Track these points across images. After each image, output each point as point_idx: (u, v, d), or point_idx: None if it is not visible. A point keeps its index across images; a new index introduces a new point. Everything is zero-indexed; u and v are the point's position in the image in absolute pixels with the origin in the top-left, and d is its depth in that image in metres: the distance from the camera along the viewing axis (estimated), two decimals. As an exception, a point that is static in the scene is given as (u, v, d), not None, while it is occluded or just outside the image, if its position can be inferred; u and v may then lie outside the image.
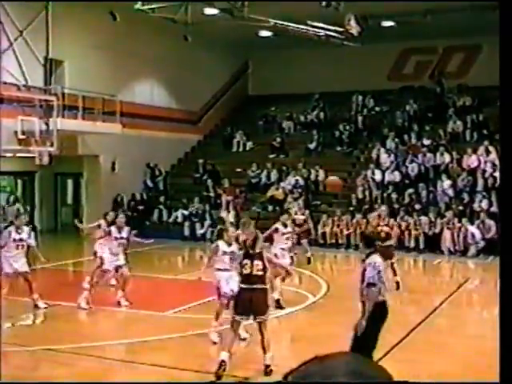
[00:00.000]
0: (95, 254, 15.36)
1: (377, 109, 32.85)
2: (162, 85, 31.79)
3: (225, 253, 11.12)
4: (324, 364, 1.25)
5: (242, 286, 9.48)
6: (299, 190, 27.39)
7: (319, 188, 28.17)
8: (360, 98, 33.13)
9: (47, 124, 22.75)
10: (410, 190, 25.75)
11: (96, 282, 14.40)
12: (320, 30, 28.49)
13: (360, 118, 32.36)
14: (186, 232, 26.87)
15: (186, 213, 27.47)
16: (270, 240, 14.51)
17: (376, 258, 8.61)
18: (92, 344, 10.76)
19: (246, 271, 9.45)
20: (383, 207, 19.37)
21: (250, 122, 33.97)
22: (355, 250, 24.02)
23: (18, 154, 23.69)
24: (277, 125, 33.83)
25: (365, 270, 8.55)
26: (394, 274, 16.08)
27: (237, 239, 10.51)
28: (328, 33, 28.58)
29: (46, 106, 23.08)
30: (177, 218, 27.59)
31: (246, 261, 9.49)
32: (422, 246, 23.38)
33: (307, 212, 21.92)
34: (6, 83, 22.25)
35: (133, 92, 29.62)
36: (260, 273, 9.46)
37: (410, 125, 30.61)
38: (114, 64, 27.71)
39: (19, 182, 28.32)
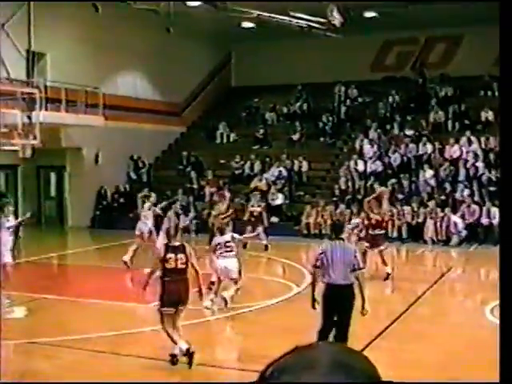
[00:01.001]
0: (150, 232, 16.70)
1: (359, 99, 32.88)
2: (145, 77, 31.68)
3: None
4: (305, 355, 1.20)
5: (168, 279, 9.47)
6: (282, 181, 27.46)
7: (302, 179, 28.27)
8: (343, 88, 33.14)
9: (30, 117, 22.61)
10: (393, 180, 25.87)
11: None
12: (303, 21, 28.52)
13: (343, 109, 32.40)
14: (171, 224, 26.82)
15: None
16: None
17: (324, 244, 9.48)
18: (77, 337, 10.78)
19: (171, 266, 9.45)
20: (383, 188, 19.90)
21: (233, 113, 33.94)
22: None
23: (1, 148, 23.56)
24: (260, 116, 33.81)
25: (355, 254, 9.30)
26: (383, 263, 16.30)
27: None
28: (311, 24, 28.60)
29: (29, 99, 22.94)
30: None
31: (169, 255, 9.49)
32: (404, 235, 23.52)
33: (263, 204, 23.16)
34: (-13, 76, 22.14)
35: (116, 84, 29.50)
36: (183, 266, 9.50)
37: (392, 115, 30.69)
38: (97, 56, 27.57)
39: (2, 175, 28.17)
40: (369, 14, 29.72)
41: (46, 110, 23.86)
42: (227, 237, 12.46)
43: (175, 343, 9.39)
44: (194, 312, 12.22)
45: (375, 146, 28.25)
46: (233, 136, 32.67)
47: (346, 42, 31.12)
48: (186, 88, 34.11)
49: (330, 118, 31.58)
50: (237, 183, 28.86)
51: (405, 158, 27.18)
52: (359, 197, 25.77)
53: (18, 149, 22.70)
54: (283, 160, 28.60)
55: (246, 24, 31.13)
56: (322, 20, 27.30)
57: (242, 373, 8.95)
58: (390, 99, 31.63)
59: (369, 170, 27.12)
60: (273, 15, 27.45)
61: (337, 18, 26.27)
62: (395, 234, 23.57)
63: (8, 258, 13.61)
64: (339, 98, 33.20)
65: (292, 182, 27.81)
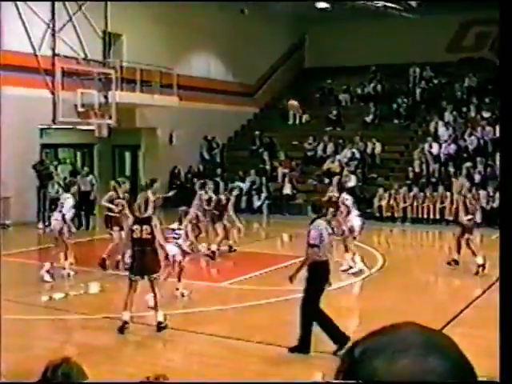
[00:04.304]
0: None
1: (435, 81, 32.36)
2: (219, 58, 31.81)
3: None
4: (396, 336, 1.16)
5: (135, 249, 10.30)
6: (355, 163, 27.25)
7: (376, 161, 28.01)
8: (418, 70, 32.67)
9: (106, 97, 23.03)
10: (468, 164, 25.40)
11: None
12: (378, 2, 28.18)
13: (418, 91, 31.95)
14: (243, 204, 26.96)
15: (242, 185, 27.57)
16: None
17: (320, 222, 9.43)
18: (150, 313, 10.95)
19: (136, 236, 10.19)
20: None
21: (307, 94, 33.79)
22: (412, 223, 23.86)
23: (78, 127, 24.07)
24: (333, 97, 33.62)
25: (309, 232, 9.33)
26: (473, 253, 15.15)
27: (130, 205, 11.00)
28: (387, 4, 28.24)
29: (105, 79, 23.34)
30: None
31: (136, 226, 10.23)
32: (479, 220, 23.06)
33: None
34: (66, 57, 22.57)
35: (190, 65, 29.72)
36: (149, 236, 10.16)
37: (469, 97, 30.12)
38: (172, 37, 27.82)
39: (78, 154, 28.74)
40: (446, -6, 29.12)
41: (122, 90, 24.23)
42: None
43: (125, 310, 10.09)
44: (261, 292, 12.32)
45: (450, 129, 27.78)
46: (306, 117, 32.57)
47: (421, 23, 30.60)
48: (259, 69, 34.13)
49: (405, 100, 31.17)
50: (309, 165, 28.81)
51: (481, 141, 26.64)
52: (433, 180, 25.45)
53: (95, 128, 23.16)
54: (356, 142, 28.39)
55: (321, 4, 30.90)
56: (398, 0, 26.92)
57: (310, 354, 8.97)
58: (467, 81, 31.02)
59: (444, 153, 26.70)
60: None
61: (413, -2, 25.86)
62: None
63: None
64: (414, 79, 32.74)
65: (365, 165, 27.59)
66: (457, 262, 15.46)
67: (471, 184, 23.73)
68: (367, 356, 1.14)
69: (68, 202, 14.58)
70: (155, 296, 10.21)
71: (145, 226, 10.17)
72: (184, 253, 12.40)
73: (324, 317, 9.17)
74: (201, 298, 12.77)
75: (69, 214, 14.59)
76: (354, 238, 15.24)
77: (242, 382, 8.21)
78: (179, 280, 12.30)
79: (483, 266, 14.52)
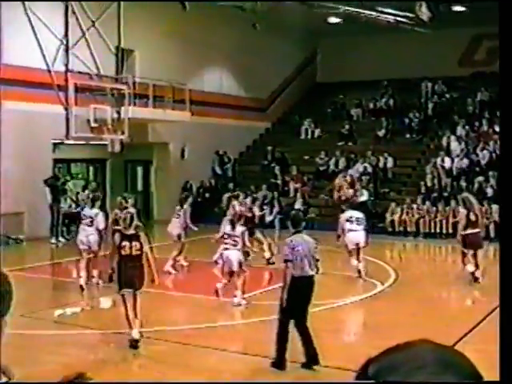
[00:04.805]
0: None
1: (447, 95, 32.35)
2: (231, 73, 31.93)
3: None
4: (410, 353, 1.16)
5: (124, 265, 10.11)
6: (367, 178, 27.21)
7: (388, 176, 27.97)
8: (430, 84, 32.67)
9: (119, 112, 23.13)
10: (480, 178, 25.33)
11: None
12: (390, 16, 28.21)
13: (430, 105, 31.93)
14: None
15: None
16: None
17: (295, 237, 9.24)
18: (161, 328, 10.95)
19: (126, 252, 10.08)
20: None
21: (319, 109, 33.86)
22: (424, 238, 23.79)
23: (91, 142, 24.16)
24: (345, 112, 33.64)
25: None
26: (464, 264, 15.50)
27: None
28: (398, 19, 28.27)
29: (118, 95, 23.46)
30: (245, 205, 27.67)
31: (124, 242, 10.11)
32: (492, 234, 22.96)
33: None
34: (79, 72, 22.72)
35: (202, 80, 29.82)
36: (138, 252, 10.11)
37: (481, 112, 30.06)
38: (184, 53, 27.94)
39: (91, 168, 28.83)
40: (458, 8, 29.11)
41: (135, 105, 24.34)
42: None
43: (131, 328, 10.02)
44: (274, 307, 12.28)
45: (463, 143, 27.73)
46: (318, 132, 32.61)
47: (433, 37, 30.56)
48: (271, 84, 34.21)
49: (417, 115, 31.15)
50: (321, 179, 28.79)
51: (493, 156, 26.56)
52: (445, 194, 25.38)
53: (107, 143, 23.27)
54: (368, 156, 28.37)
55: (333, 19, 30.97)
56: (410, 15, 26.93)
57: (323, 369, 8.93)
58: (479, 95, 30.97)
59: (456, 167, 26.64)
60: (360, 10, 27.23)
61: (425, 13, 25.87)
62: (483, 234, 23.03)
63: None
64: (426, 93, 32.73)
65: (377, 179, 27.54)
66: (476, 278, 15.40)
67: (483, 198, 23.70)
68: (382, 374, 1.14)
69: (99, 215, 14.77)
70: (135, 309, 10.14)
71: (134, 243, 10.10)
72: (240, 263, 12.63)
73: (303, 333, 9.03)
74: (213, 313, 12.75)
75: (102, 227, 14.78)
76: (349, 252, 15.87)
77: (241, 382, 8.18)
78: (243, 292, 12.76)
79: (473, 273, 15.01)
